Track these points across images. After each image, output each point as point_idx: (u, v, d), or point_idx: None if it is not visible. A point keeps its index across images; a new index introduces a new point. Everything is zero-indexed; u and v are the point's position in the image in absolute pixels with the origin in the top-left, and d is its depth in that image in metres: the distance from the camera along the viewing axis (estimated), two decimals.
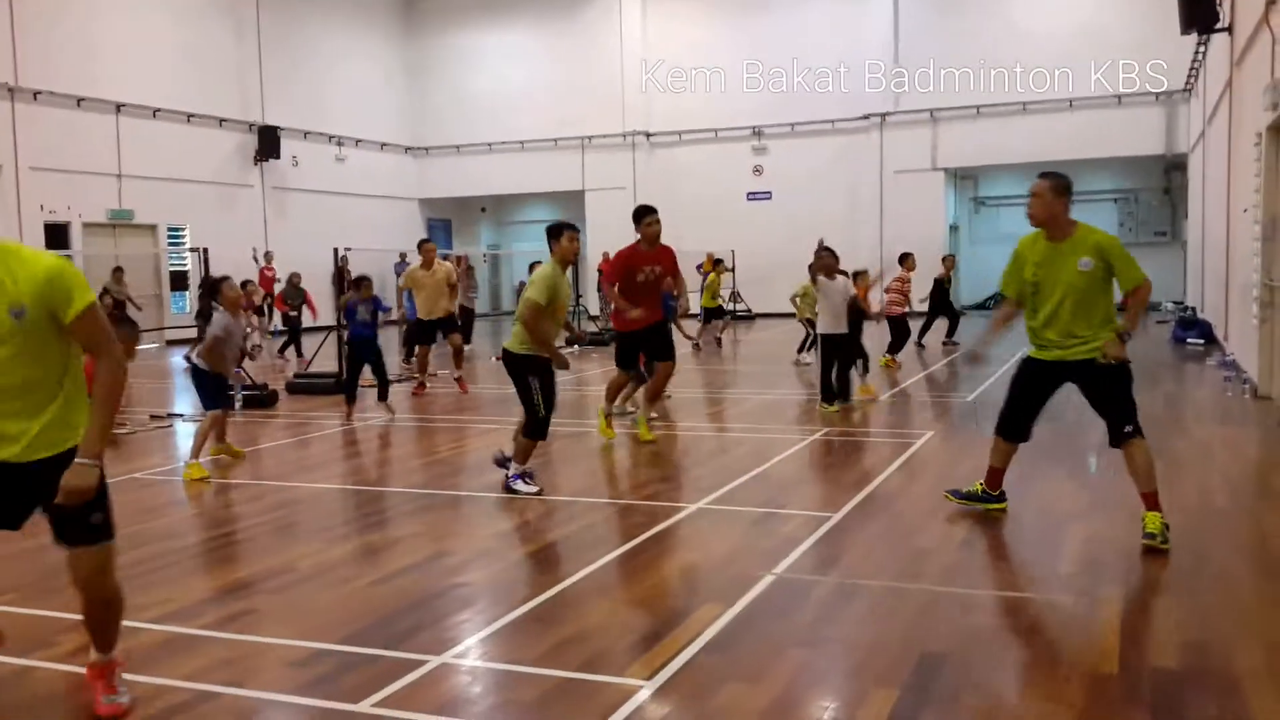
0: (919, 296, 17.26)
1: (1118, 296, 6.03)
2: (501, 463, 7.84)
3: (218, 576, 5.82)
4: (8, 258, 3.48)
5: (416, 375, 13.85)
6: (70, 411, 3.67)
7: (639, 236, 9.71)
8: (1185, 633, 4.53)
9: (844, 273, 11.80)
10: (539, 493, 7.45)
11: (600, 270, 29.12)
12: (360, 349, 11.53)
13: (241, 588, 5.56)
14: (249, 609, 5.19)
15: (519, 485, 7.51)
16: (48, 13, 22.76)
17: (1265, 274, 11.05)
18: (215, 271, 10.85)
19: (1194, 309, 21.32)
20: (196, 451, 8.71)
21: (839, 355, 11.28)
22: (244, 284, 10.58)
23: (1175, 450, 8.62)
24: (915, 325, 16.98)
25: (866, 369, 12.62)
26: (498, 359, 13.23)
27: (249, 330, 10.45)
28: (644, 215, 9.73)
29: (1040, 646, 4.55)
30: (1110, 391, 5.95)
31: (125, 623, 4.75)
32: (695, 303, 17.88)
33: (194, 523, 7.27)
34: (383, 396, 11.63)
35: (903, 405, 11.91)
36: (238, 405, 12.09)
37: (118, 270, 22.22)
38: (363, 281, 11.98)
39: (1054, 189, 5.91)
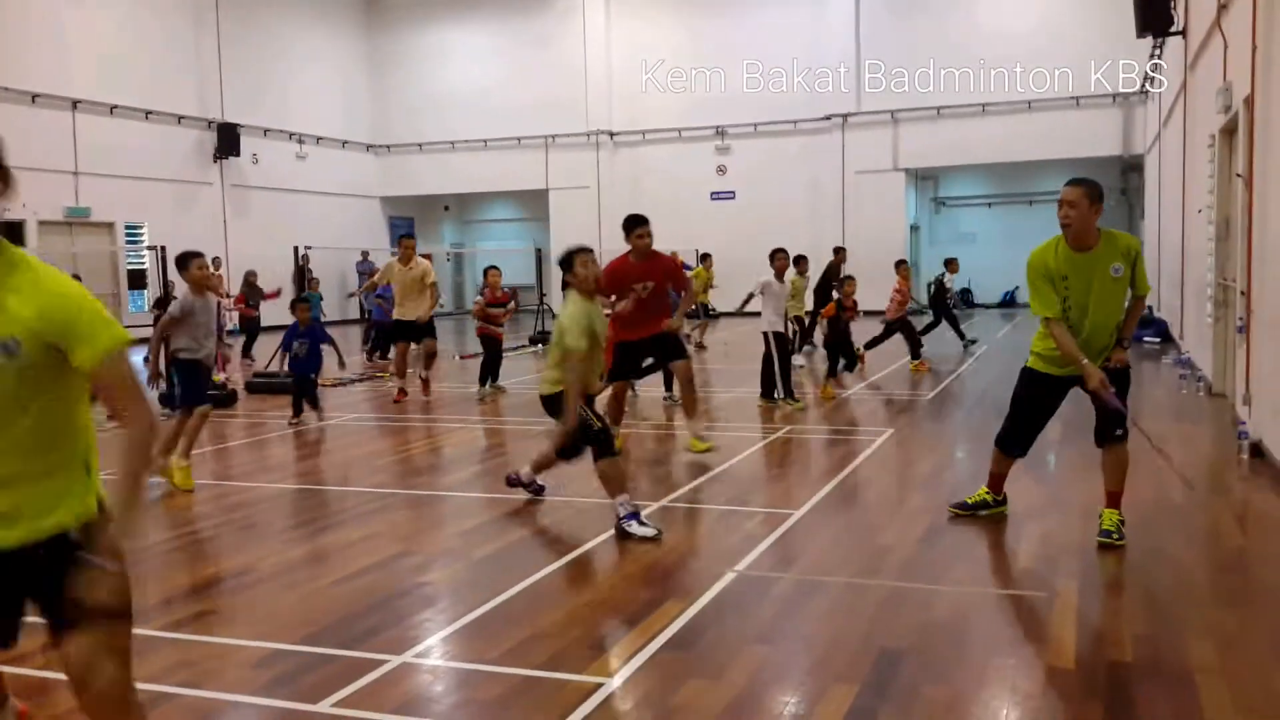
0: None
1: None
2: (515, 483, 7.31)
3: (177, 577, 5.76)
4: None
5: (397, 380, 13.10)
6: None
7: (629, 248, 8.82)
8: (1139, 627, 4.61)
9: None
10: (658, 535, 6.23)
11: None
12: (298, 381, 11.39)
13: (201, 588, 5.51)
14: (208, 610, 5.15)
15: (634, 527, 6.26)
16: (3, 8, 22.43)
17: (1219, 274, 11.23)
18: (175, 270, 10.62)
19: (1150, 308, 21.61)
20: (172, 448, 7.98)
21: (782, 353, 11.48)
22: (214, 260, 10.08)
23: (1131, 446, 8.71)
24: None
25: (850, 367, 12.92)
26: (462, 357, 13.20)
27: (228, 311, 9.90)
28: (635, 226, 8.76)
29: (997, 641, 4.60)
30: (1120, 394, 5.94)
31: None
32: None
33: (153, 524, 7.19)
34: (312, 405, 11.40)
35: (863, 404, 11.99)
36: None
37: (75, 277, 21.92)
38: (298, 304, 11.62)
39: (1089, 196, 5.57)
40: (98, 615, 2.65)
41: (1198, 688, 3.94)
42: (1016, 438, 6.31)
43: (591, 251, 6.78)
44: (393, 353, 14.01)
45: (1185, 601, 4.98)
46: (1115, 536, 5.79)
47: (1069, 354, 5.71)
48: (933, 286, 18.34)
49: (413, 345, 13.27)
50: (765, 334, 11.45)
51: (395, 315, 13.19)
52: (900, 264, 16.56)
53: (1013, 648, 4.51)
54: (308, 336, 11.47)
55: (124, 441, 2.71)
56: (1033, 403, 6.21)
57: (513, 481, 7.37)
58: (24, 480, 2.62)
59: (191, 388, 8.18)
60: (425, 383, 13.13)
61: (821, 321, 14.17)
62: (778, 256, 11.79)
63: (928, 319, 18.24)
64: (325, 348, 11.80)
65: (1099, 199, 5.64)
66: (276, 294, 20.20)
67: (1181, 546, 5.94)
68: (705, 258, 21.40)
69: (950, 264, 18.30)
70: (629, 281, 8.69)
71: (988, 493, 6.55)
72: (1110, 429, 5.93)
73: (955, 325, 18.00)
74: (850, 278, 14.23)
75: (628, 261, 8.81)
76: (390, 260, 13.38)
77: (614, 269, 8.78)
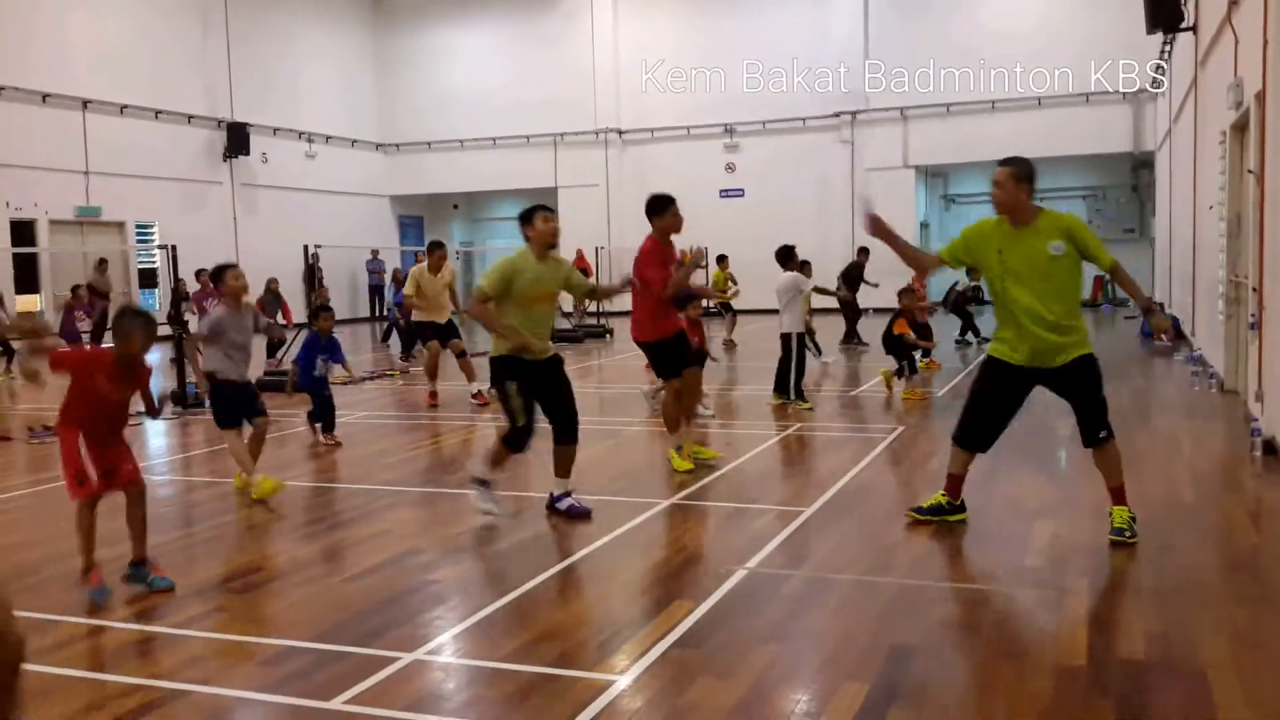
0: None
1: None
2: (555, 504, 6.91)
3: (189, 575, 5.78)
4: None
5: (430, 383, 12.97)
6: None
7: (657, 230, 8.05)
8: (1151, 624, 4.59)
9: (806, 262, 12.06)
10: (490, 514, 6.67)
11: (575, 268, 29.14)
12: (320, 399, 10.16)
13: (212, 586, 5.53)
14: (220, 607, 5.17)
15: (478, 498, 6.73)
16: (13, 8, 22.53)
17: (1230, 270, 11.18)
18: (184, 269, 10.50)
19: (1161, 304, 21.55)
20: (248, 468, 7.73)
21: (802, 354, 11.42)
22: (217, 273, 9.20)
23: (1142, 444, 8.71)
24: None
25: (914, 369, 12.83)
26: (471, 355, 13.12)
27: (269, 322, 9.13)
28: (671, 204, 8.05)
29: (1008, 639, 4.59)
30: (1086, 394, 5.91)
31: (95, 622, 4.74)
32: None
33: (164, 522, 7.21)
34: (328, 429, 10.20)
35: (873, 402, 11.97)
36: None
37: (102, 262, 22.00)
38: (321, 313, 10.40)
39: (1014, 175, 5.82)
40: None
41: (1210, 685, 3.93)
42: (974, 429, 6.18)
43: (553, 211, 6.94)
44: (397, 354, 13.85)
45: (1197, 599, 4.97)
46: (1127, 534, 5.78)
47: (913, 252, 6.64)
48: (952, 295, 18.32)
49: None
50: (785, 335, 11.36)
51: (425, 319, 12.87)
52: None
53: (1024, 645, 4.50)
54: (328, 351, 10.25)
55: None
56: (991, 392, 6.09)
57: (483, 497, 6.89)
58: None
59: (221, 409, 7.83)
60: (479, 395, 12.72)
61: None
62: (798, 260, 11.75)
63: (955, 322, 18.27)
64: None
65: (1026, 178, 5.85)
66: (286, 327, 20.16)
67: (1193, 544, 5.92)
68: (722, 259, 21.34)
69: (973, 272, 18.30)
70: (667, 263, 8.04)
71: (944, 496, 6.34)
72: (1093, 431, 5.90)
73: (969, 324, 18.10)
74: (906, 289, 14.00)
75: (660, 244, 8.07)
76: (419, 267, 13.13)
77: (660, 249, 8.03)
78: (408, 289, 13.01)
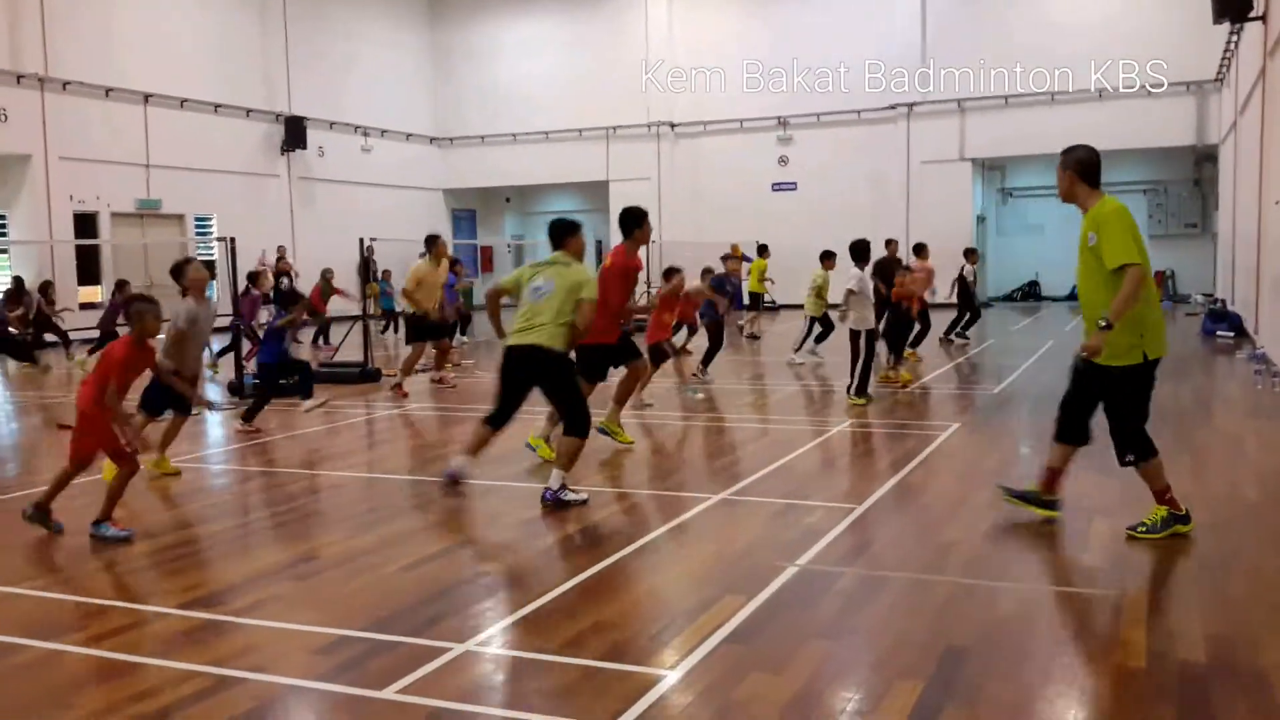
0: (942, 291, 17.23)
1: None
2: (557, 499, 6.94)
3: (242, 563, 5.85)
4: None
5: (444, 370, 13.53)
6: None
7: (633, 241, 8.74)
8: (1213, 627, 4.49)
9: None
10: (586, 501, 6.87)
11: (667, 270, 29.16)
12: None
13: (266, 575, 5.59)
14: (273, 596, 5.22)
15: (568, 496, 6.83)
16: (76, 3, 22.92)
17: None
18: (244, 261, 10.63)
19: (1224, 301, 21.11)
20: (150, 447, 7.90)
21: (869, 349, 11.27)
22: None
23: (1204, 443, 8.54)
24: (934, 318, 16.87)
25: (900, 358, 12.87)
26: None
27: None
28: (645, 218, 8.75)
29: (1066, 640, 4.51)
30: (1108, 408, 5.77)
31: (152, 608, 4.80)
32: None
33: (219, 510, 7.31)
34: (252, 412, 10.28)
35: (928, 398, 11.85)
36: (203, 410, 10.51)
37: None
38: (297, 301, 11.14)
39: (1062, 164, 5.81)
40: None
41: (1274, 688, 3.83)
42: (1065, 421, 6.06)
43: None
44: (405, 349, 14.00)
45: (1260, 601, 4.85)
46: (1140, 529, 5.74)
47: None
48: (955, 283, 18.05)
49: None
50: (855, 333, 11.25)
51: (416, 310, 13.02)
52: (920, 248, 16.31)
53: (1081, 646, 4.42)
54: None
55: None
56: (1074, 381, 5.97)
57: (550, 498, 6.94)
58: None
59: (155, 396, 8.05)
60: (441, 380, 13.38)
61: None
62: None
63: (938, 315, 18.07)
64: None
65: (1074, 165, 5.74)
66: (345, 293, 20.45)
67: (1256, 545, 5.78)
68: (763, 249, 21.28)
69: (970, 254, 18.16)
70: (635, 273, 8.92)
71: (1038, 487, 6.21)
72: (1119, 453, 5.80)
73: (973, 317, 17.94)
74: (907, 268, 14.01)
75: (636, 259, 8.88)
76: (422, 263, 13.28)
77: (630, 266, 8.77)
78: (408, 283, 12.99)
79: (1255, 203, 15.48)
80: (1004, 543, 5.91)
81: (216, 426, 10.97)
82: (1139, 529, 5.77)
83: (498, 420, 7.07)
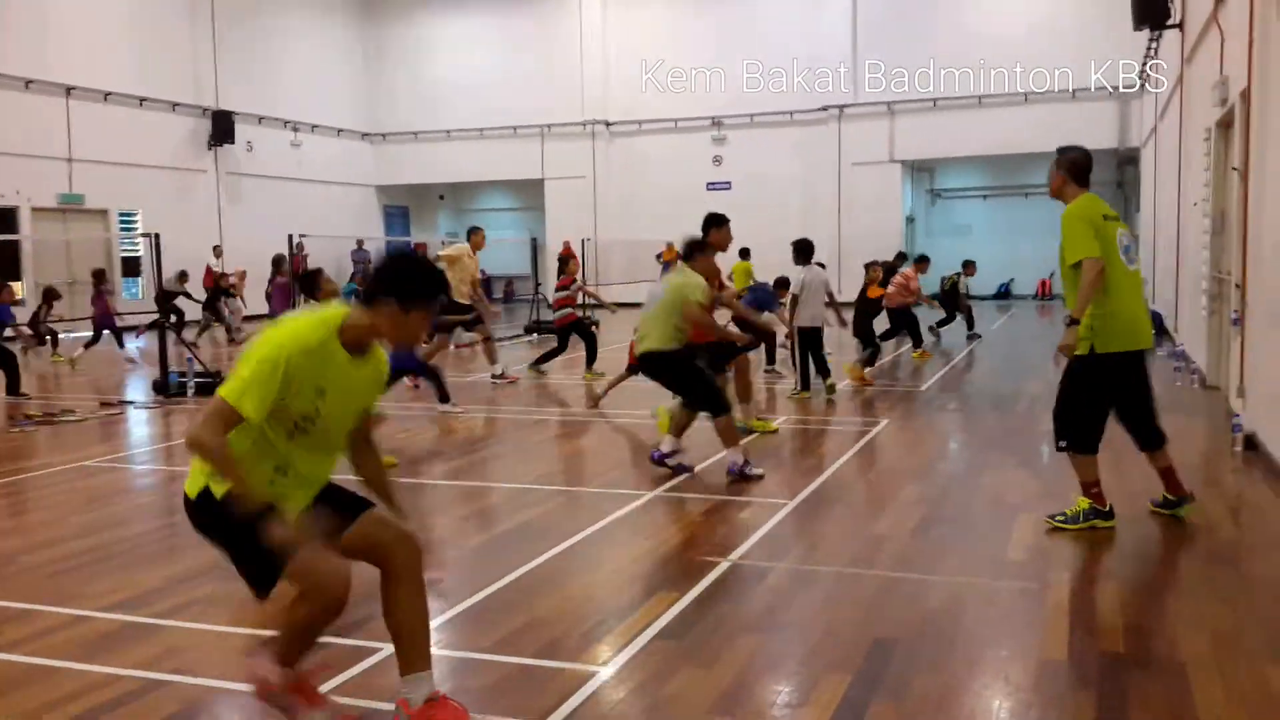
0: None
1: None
2: (662, 461, 7.70)
3: (167, 565, 5.75)
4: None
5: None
6: None
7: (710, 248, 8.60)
8: (1132, 618, 4.61)
9: (822, 264, 12.11)
10: (762, 476, 7.46)
11: (561, 259, 29.11)
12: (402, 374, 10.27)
13: (191, 576, 5.49)
14: (199, 597, 5.14)
15: (752, 470, 7.45)
16: None
17: (1214, 267, 11.23)
18: (168, 258, 10.45)
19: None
20: None
21: (815, 346, 11.48)
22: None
23: (1124, 438, 8.73)
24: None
25: (874, 359, 13.05)
26: (458, 346, 13.16)
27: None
28: (725, 222, 9.14)
29: (991, 632, 4.60)
30: (1061, 388, 5.96)
31: (73, 611, 4.70)
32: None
33: (143, 511, 7.18)
34: (444, 399, 10.73)
35: (859, 394, 11.99)
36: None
37: (183, 274, 21.33)
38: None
39: (1056, 162, 6.06)
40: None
41: (1190, 680, 3.94)
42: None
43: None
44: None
45: (1178, 593, 4.99)
46: (1059, 518, 5.95)
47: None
48: (947, 284, 18.40)
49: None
50: (803, 329, 11.51)
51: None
52: (922, 259, 16.66)
53: (1005, 638, 4.51)
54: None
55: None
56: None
57: (657, 459, 7.73)
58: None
59: None
60: (504, 376, 13.19)
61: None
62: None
63: (935, 314, 18.28)
64: None
65: (1065, 165, 6.09)
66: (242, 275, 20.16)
67: (1174, 539, 5.94)
68: (745, 252, 21.27)
69: (968, 267, 18.45)
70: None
71: (1089, 502, 6.00)
72: (1056, 439, 6.03)
73: (969, 320, 18.20)
74: (874, 263, 14.28)
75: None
76: (463, 248, 13.30)
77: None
78: (457, 275, 12.89)
79: (1174, 204, 15.88)
80: (931, 537, 6.00)
81: (140, 425, 10.76)
82: (1056, 517, 5.94)
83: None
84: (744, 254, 21.20)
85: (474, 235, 13.61)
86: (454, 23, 32.51)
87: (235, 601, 5.07)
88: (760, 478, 7.40)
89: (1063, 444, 5.96)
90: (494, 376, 13.19)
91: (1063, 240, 5.78)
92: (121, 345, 17.29)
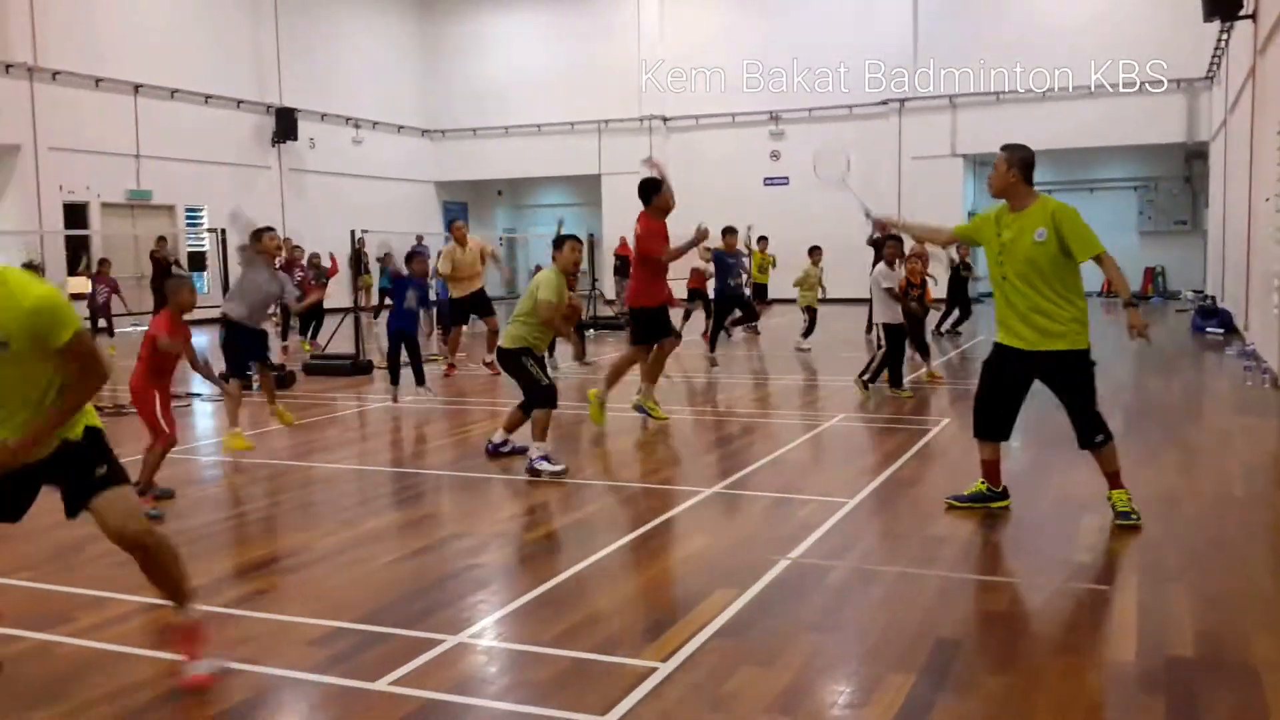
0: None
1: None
2: (496, 450, 8.16)
3: (235, 555, 5.85)
4: None
5: (446, 356, 13.87)
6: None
7: (653, 207, 9.66)
8: (1202, 622, 4.52)
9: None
10: (564, 471, 7.49)
11: (618, 255, 29.16)
12: (400, 336, 11.37)
13: (259, 566, 5.59)
14: (267, 587, 5.22)
15: (544, 465, 7.49)
16: None
17: None
18: (234, 251, 10.70)
19: (1214, 298, 21.19)
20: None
21: (897, 342, 11.31)
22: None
23: (1193, 439, 8.58)
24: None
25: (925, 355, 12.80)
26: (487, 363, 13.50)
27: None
28: (659, 185, 9.71)
29: (1056, 633, 4.54)
30: (1072, 391, 5.91)
31: (145, 600, 4.80)
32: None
33: (212, 502, 7.31)
34: (420, 380, 11.52)
35: (919, 393, 11.87)
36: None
37: (160, 239, 22.31)
38: (415, 256, 11.80)
39: (1007, 160, 5.97)
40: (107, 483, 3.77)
41: (1263, 684, 3.86)
42: (985, 418, 6.22)
43: (580, 241, 8.20)
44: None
45: (1249, 597, 4.89)
46: (1135, 517, 5.86)
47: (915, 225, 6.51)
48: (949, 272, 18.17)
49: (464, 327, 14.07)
50: (879, 325, 11.41)
51: (460, 293, 13.62)
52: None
53: (1071, 640, 4.44)
54: (417, 288, 11.61)
55: (75, 385, 3.66)
56: (994, 377, 6.16)
57: (491, 450, 8.19)
58: (16, 420, 3.66)
59: (232, 354, 9.26)
60: (490, 365, 13.35)
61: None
62: (888, 245, 11.57)
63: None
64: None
65: (1019, 164, 6.00)
66: (334, 271, 20.44)
67: (1244, 541, 5.82)
68: (762, 240, 21.28)
69: (960, 248, 18.18)
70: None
71: (983, 484, 6.35)
72: (1088, 434, 5.94)
73: (963, 314, 17.95)
74: (912, 256, 13.92)
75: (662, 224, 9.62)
76: (449, 247, 13.62)
77: (660, 231, 9.61)
78: (442, 267, 13.59)
79: (1245, 200, 15.53)
80: (993, 537, 5.93)
81: (205, 418, 10.96)
82: (1134, 518, 5.88)
83: None
84: (762, 243, 21.15)
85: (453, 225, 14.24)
86: (511, 19, 32.67)
87: (301, 592, 5.16)
88: (562, 472, 7.47)
89: (1100, 438, 5.94)
90: (485, 363, 13.68)
91: (1068, 237, 5.76)
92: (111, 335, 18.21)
